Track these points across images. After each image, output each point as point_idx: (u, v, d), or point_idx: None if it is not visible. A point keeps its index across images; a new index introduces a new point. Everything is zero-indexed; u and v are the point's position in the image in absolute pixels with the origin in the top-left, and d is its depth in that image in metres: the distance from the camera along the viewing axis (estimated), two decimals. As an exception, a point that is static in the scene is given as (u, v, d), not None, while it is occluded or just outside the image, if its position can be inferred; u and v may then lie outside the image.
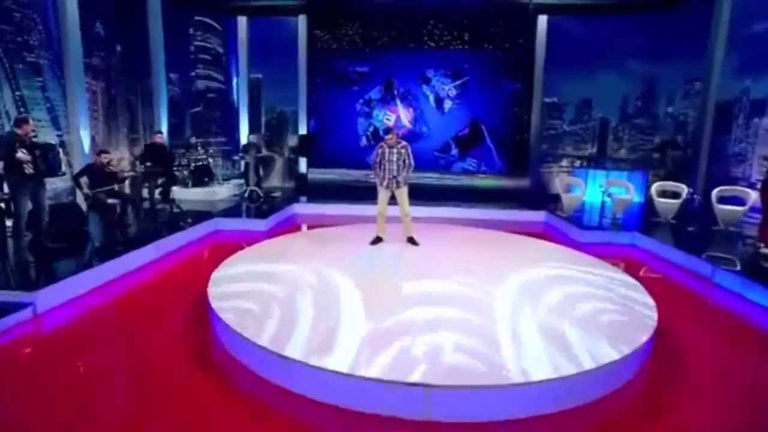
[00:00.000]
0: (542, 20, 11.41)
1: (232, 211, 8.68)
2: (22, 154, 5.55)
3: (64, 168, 6.10)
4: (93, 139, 9.34)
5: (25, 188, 5.61)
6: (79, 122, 8.91)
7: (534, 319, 3.91)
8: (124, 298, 5.03)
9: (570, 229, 8.10)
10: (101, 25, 9.52)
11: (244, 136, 12.63)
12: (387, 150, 6.04)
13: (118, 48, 9.96)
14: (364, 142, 11.82)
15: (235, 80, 12.65)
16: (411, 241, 6.23)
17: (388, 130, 6.17)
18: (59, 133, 8.74)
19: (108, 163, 7.35)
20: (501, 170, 11.62)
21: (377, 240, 6.27)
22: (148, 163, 8.10)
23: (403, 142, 6.13)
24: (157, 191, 8.34)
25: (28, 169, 5.54)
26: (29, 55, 8.18)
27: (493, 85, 11.41)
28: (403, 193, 6.13)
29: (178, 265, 6.11)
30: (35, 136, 6.13)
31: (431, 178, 11.54)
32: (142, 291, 5.26)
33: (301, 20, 11.84)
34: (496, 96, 11.43)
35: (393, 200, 6.29)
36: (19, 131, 5.54)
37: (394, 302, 4.19)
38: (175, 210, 8.45)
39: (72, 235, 6.35)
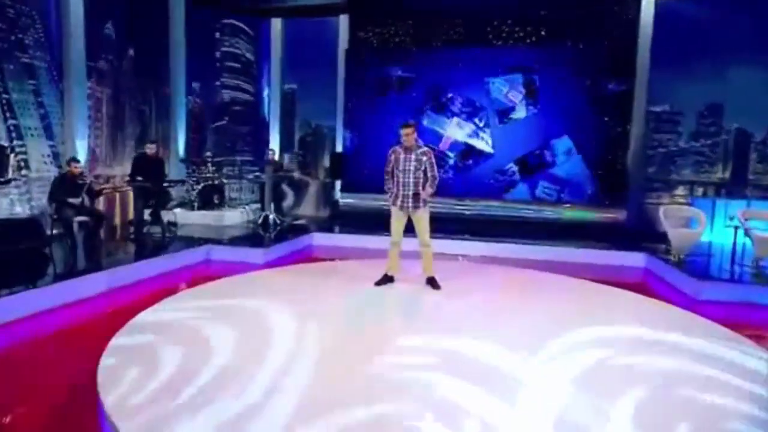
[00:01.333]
0: (647, 3, 9.54)
1: (231, 238, 7.76)
2: None
3: (11, 173, 5.26)
4: (93, 152, 8.81)
5: None
6: (76, 131, 8.37)
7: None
8: (28, 342, 4.01)
9: (682, 279, 6.26)
10: (112, 26, 9.11)
11: (276, 153, 11.75)
12: (402, 155, 4.94)
13: (131, 51, 9.55)
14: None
15: (266, 91, 11.98)
16: (431, 282, 5.20)
17: (405, 124, 4.91)
18: (52, 143, 8.27)
19: (80, 174, 6.60)
20: (587, 199, 9.82)
21: (385, 279, 5.30)
22: (138, 178, 7.29)
23: (425, 146, 4.99)
24: (147, 211, 7.48)
25: None
26: (23, 56, 7.78)
27: (578, 90, 9.75)
28: (422, 218, 5.05)
29: (130, 303, 4.97)
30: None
31: (492, 208, 9.97)
32: (57, 335, 4.26)
33: (343, 21, 10.96)
34: (581, 104, 9.73)
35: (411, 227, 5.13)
36: None
37: (365, 380, 2.95)
38: (166, 234, 7.65)
39: (15, 254, 5.74)
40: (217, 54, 11.32)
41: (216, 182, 9.48)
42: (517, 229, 9.02)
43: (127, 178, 7.70)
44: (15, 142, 7.85)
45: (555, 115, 9.96)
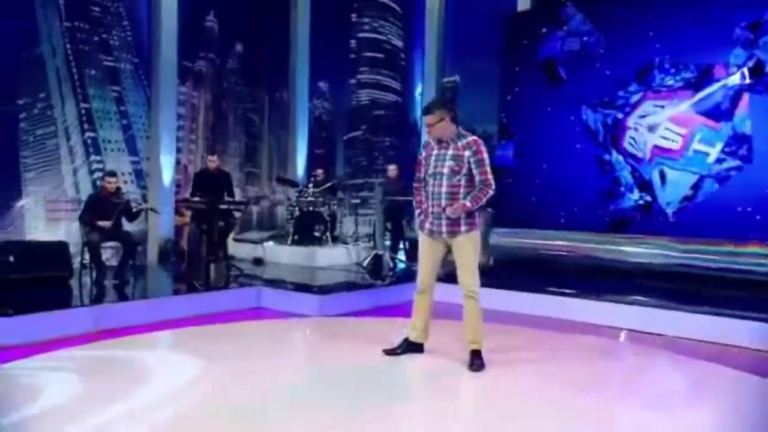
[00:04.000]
0: None
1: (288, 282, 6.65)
2: None
3: None
4: (185, 170, 8.37)
5: None
6: (162, 145, 8.01)
7: None
8: None
9: None
10: (215, 18, 8.74)
11: None
12: (434, 151, 3.98)
13: (238, 47, 9.14)
14: (603, 181, 7.72)
15: (418, 88, 10.53)
16: (473, 360, 3.91)
17: (427, 107, 4.02)
18: (135, 158, 8.02)
19: (116, 191, 5.97)
20: None
21: (406, 347, 4.18)
22: (196, 198, 6.49)
23: (471, 136, 3.93)
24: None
25: None
26: (106, 59, 7.75)
27: None
28: (462, 249, 3.94)
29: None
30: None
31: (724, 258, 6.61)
32: None
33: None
34: None
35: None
36: None
37: None
38: (232, 270, 6.95)
39: (25, 281, 5.64)
40: (353, 43, 10.45)
41: (320, 209, 8.16)
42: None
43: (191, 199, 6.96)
44: (92, 158, 7.74)
45: None
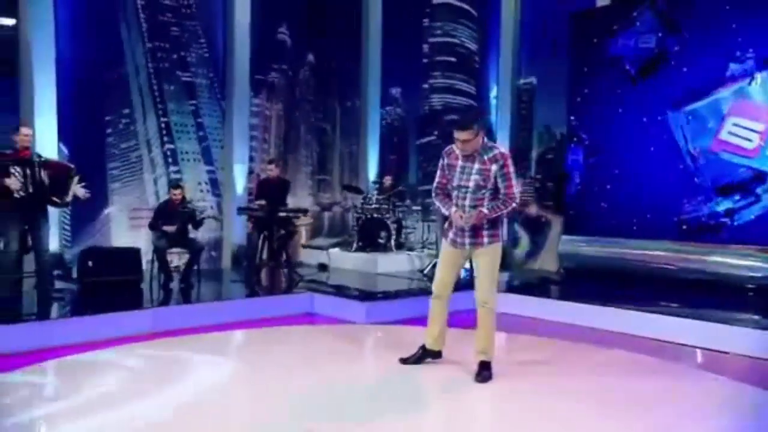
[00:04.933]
0: None
1: (339, 287, 6.73)
2: (14, 180, 4.97)
3: (70, 197, 5.29)
4: (258, 178, 8.75)
5: (13, 218, 5.34)
6: (235, 155, 8.46)
7: None
8: None
9: None
10: (287, 30, 9.09)
11: None
12: (459, 162, 3.92)
13: (310, 57, 9.43)
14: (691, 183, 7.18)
15: (493, 91, 10.31)
16: (480, 372, 3.88)
17: (460, 125, 3.82)
18: (211, 168, 8.51)
19: (181, 200, 6.41)
20: None
21: (422, 355, 4.18)
22: (254, 206, 6.86)
23: (499, 149, 3.90)
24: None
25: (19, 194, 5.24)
26: (184, 75, 8.30)
27: None
28: (484, 260, 3.94)
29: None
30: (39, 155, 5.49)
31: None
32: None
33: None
34: None
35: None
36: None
37: None
38: (294, 275, 7.24)
39: (101, 284, 6.21)
40: (425, 48, 10.37)
41: (384, 215, 8.22)
42: None
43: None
44: (170, 168, 8.29)
45: None
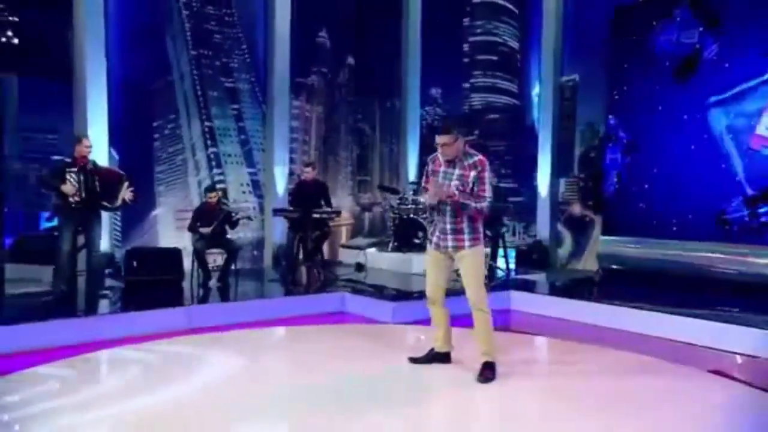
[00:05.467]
0: None
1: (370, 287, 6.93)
2: (70, 186, 5.37)
3: (119, 202, 5.67)
4: (298, 179, 9.00)
5: (71, 221, 5.76)
6: (275, 156, 8.74)
7: None
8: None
9: None
10: (326, 34, 9.30)
11: (543, 178, 9.95)
12: (441, 168, 4.13)
13: (350, 60, 9.63)
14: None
15: (536, 89, 10.20)
16: (483, 372, 3.98)
17: (443, 128, 4.11)
18: (252, 170, 8.83)
19: (216, 203, 6.71)
20: None
21: (431, 356, 4.31)
22: (290, 208, 7.10)
23: (479, 156, 4.09)
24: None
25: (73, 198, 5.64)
26: (227, 80, 8.64)
27: None
28: (467, 264, 4.08)
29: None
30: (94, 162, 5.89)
31: None
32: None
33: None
34: None
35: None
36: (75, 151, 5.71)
37: None
38: (321, 275, 7.45)
39: (144, 283, 6.57)
40: (465, 47, 10.39)
41: (420, 216, 8.28)
42: None
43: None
44: (214, 171, 8.64)
45: None
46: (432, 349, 4.30)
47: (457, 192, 3.91)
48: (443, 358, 4.27)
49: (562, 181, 9.98)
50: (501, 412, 3.72)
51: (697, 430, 3.28)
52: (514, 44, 10.49)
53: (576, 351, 4.94)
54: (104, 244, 7.59)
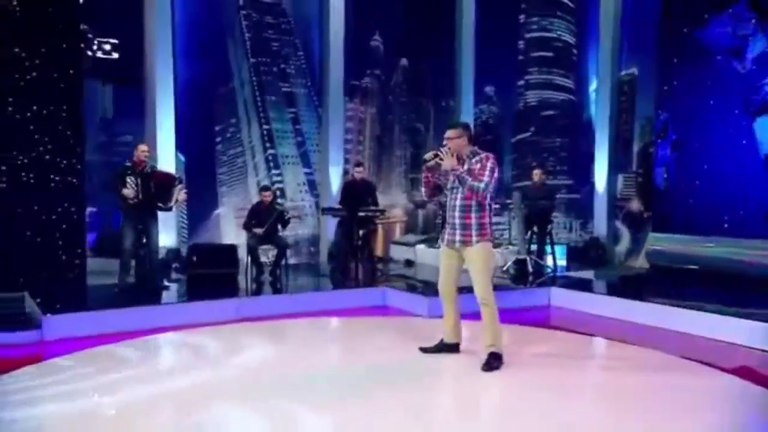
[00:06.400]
0: None
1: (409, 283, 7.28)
2: (129, 189, 5.95)
3: (173, 202, 6.23)
4: (352, 178, 9.40)
5: (131, 220, 6.30)
6: (330, 157, 9.16)
7: None
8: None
9: None
10: (380, 37, 9.63)
11: (600, 174, 9.87)
12: None
13: (403, 62, 9.86)
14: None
15: (593, 84, 10.10)
16: (489, 362, 4.13)
17: (451, 125, 4.50)
18: (308, 170, 9.29)
19: (270, 202, 7.16)
20: None
21: (441, 347, 4.52)
22: (338, 206, 7.49)
23: (484, 153, 4.32)
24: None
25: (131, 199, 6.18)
26: (284, 85, 9.14)
27: None
28: (474, 259, 4.26)
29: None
30: (153, 166, 6.47)
31: None
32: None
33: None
34: None
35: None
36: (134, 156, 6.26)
37: None
38: (378, 270, 7.86)
39: (203, 276, 6.99)
40: (520, 44, 10.38)
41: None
42: None
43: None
44: (272, 172, 9.15)
45: None
46: (441, 340, 4.52)
47: (459, 171, 4.10)
48: (452, 348, 4.47)
49: (620, 177, 9.81)
50: (501, 402, 3.84)
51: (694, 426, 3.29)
52: (570, 39, 10.38)
53: (597, 347, 4.98)
54: (172, 240, 8.28)
